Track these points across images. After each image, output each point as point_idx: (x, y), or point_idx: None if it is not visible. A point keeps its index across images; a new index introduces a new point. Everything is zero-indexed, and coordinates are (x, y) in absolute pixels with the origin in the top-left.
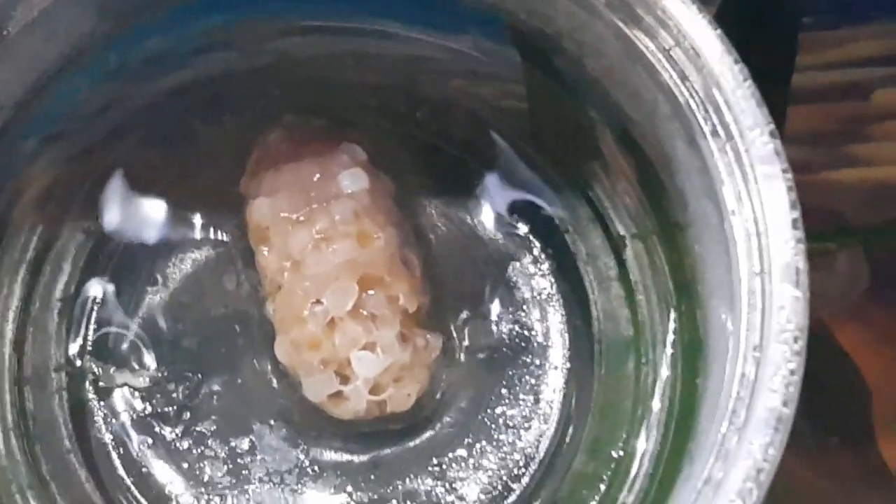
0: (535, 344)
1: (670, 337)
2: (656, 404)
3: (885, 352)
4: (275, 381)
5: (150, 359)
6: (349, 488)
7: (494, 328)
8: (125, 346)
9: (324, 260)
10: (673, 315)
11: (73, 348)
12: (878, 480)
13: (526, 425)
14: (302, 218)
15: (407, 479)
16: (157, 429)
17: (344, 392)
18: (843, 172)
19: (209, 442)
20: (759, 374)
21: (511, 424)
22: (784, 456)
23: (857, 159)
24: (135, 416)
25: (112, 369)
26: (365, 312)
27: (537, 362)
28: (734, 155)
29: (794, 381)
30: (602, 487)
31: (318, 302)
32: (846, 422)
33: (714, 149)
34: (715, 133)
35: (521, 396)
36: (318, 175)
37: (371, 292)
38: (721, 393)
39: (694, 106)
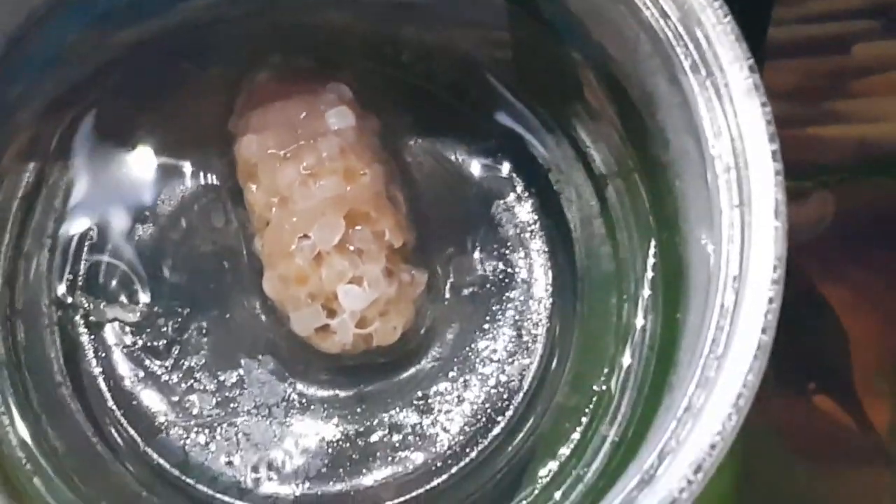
0: (519, 280)
1: (651, 272)
2: (638, 339)
3: (863, 310)
4: (263, 316)
5: (140, 294)
6: (335, 421)
7: (479, 265)
8: (115, 281)
9: (311, 195)
10: (654, 251)
11: (65, 284)
12: (855, 424)
13: (510, 360)
14: (289, 155)
15: (392, 412)
16: (146, 362)
17: (331, 326)
18: (826, 129)
19: (198, 375)
20: (738, 303)
21: (495, 359)
22: (763, 398)
23: (840, 116)
24: (125, 350)
25: (103, 304)
26: (351, 247)
27: (521, 298)
28: (714, 90)
29: (772, 309)
30: (584, 420)
31: (306, 237)
32: (824, 367)
33: (694, 84)
34: (695, 69)
35: (506, 332)
36: (304, 113)
37: (357, 228)
38: (701, 324)
39: (674, 42)
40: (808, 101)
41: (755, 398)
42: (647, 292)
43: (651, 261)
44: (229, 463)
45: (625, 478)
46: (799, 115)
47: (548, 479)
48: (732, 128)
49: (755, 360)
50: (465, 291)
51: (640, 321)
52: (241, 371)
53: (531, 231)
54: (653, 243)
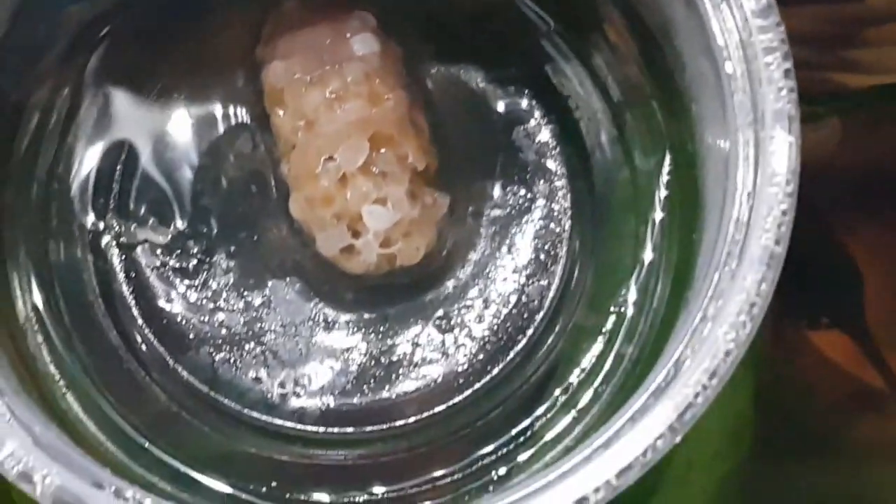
0: (539, 204)
1: (667, 194)
2: (654, 259)
3: (876, 264)
4: (290, 238)
5: (170, 217)
6: (360, 339)
7: (500, 189)
8: (146, 205)
9: (336, 118)
10: (670, 174)
11: (97, 207)
12: (867, 358)
13: (529, 281)
14: (315, 80)
15: (415, 331)
16: (176, 283)
17: (355, 246)
18: (841, 76)
19: (226, 295)
20: (752, 216)
21: (515, 280)
22: (773, 329)
23: (854, 65)
24: (155, 270)
25: (133, 226)
26: (375, 170)
27: (540, 221)
28: (729, 11)
29: (786, 221)
30: (602, 339)
31: (331, 159)
32: (837, 304)
33: (709, 7)
34: None
35: (525, 253)
36: (329, 40)
37: (381, 151)
38: (716, 241)
39: None
40: (823, 48)
41: (770, 325)
42: (663, 214)
43: (667, 182)
44: (257, 379)
45: (642, 388)
46: (814, 61)
47: (566, 396)
48: (747, 48)
49: (769, 269)
50: (486, 214)
51: (656, 242)
52: (269, 291)
53: (550, 156)
54: (669, 167)
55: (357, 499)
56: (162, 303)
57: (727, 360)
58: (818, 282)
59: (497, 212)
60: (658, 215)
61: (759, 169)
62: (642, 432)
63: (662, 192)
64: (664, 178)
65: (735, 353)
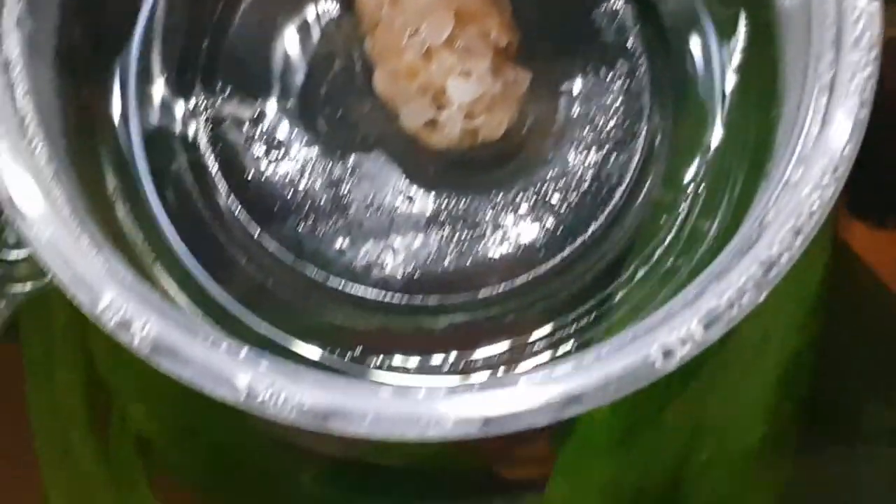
0: (617, 83)
1: (745, 69)
2: (733, 134)
3: None
4: (373, 113)
5: (255, 93)
6: (441, 212)
7: (579, 68)
8: (232, 81)
9: None
10: (746, 49)
11: (184, 83)
12: None
13: (608, 158)
14: None
15: (496, 206)
16: (261, 156)
17: (439, 120)
18: None
19: (311, 168)
20: (835, 83)
21: (595, 156)
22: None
23: None
24: (241, 145)
25: (220, 101)
26: (459, 45)
27: (620, 100)
28: None
29: (870, 85)
30: (681, 215)
31: (416, 33)
32: None
33: None
34: None
35: (605, 131)
36: None
37: (465, 27)
38: (797, 113)
39: None
40: None
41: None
42: (740, 89)
43: (745, 58)
44: (341, 251)
45: (727, 249)
46: None
47: (647, 267)
48: None
49: (853, 132)
50: (567, 92)
51: (734, 118)
52: (352, 165)
53: (630, 34)
54: (746, 42)
55: (440, 364)
56: (248, 175)
57: (812, 219)
58: (890, 181)
59: (577, 89)
60: (736, 90)
61: (840, 36)
62: (728, 288)
63: (740, 68)
64: (741, 53)
65: (819, 213)
